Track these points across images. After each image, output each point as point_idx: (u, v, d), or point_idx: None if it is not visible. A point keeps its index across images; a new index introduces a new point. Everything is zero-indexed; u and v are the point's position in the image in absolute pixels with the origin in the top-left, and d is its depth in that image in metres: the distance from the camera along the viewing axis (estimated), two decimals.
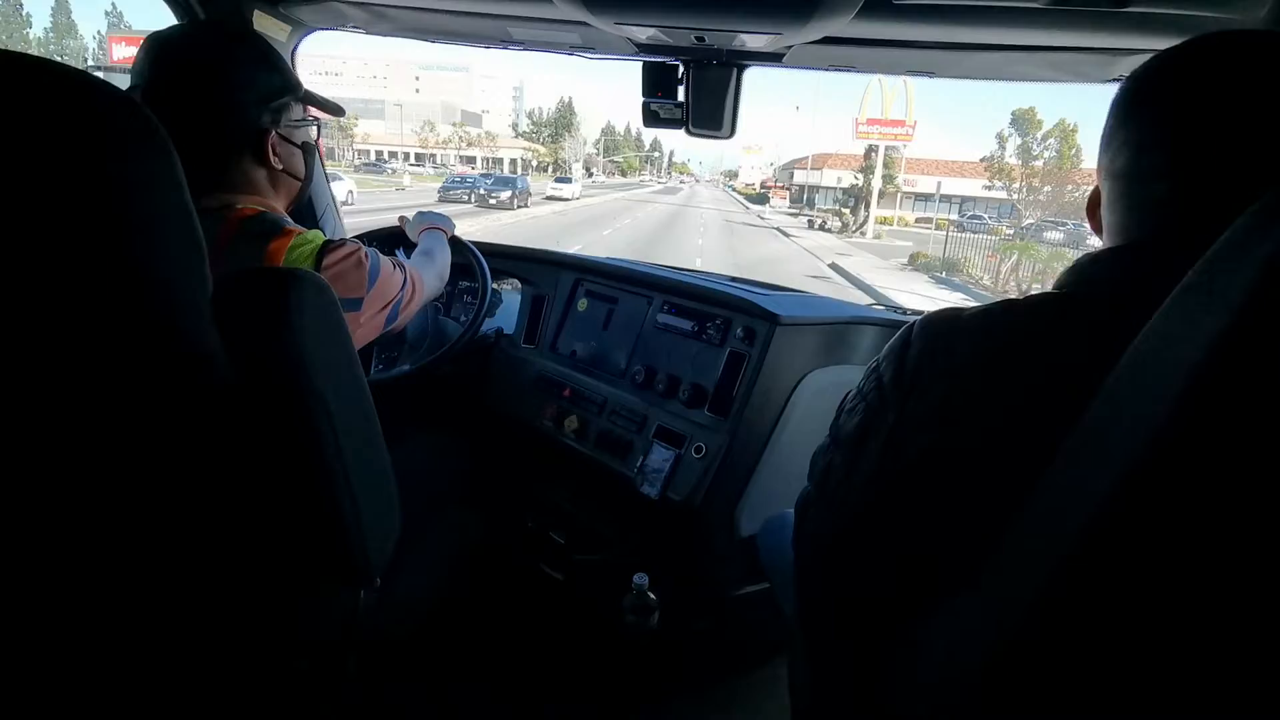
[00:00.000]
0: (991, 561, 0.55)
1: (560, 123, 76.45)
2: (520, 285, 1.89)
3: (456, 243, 1.65)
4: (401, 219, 1.59)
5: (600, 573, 1.59)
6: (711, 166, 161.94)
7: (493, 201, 25.28)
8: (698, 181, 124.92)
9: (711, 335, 1.48)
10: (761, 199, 59.76)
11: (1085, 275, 0.65)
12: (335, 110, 1.22)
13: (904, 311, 1.69)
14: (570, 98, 79.96)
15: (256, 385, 0.79)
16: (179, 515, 0.77)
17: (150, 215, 0.67)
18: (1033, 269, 14.54)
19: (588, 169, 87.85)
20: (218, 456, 0.80)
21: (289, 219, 1.08)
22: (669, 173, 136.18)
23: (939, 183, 35.32)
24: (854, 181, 33.78)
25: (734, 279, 1.79)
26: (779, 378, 1.43)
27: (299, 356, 0.76)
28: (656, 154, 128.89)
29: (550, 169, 76.62)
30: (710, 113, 1.47)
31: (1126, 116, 0.65)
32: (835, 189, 46.97)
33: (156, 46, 1.00)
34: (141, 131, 0.65)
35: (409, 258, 1.38)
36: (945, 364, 0.66)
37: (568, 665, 1.66)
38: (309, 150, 1.15)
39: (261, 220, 1.02)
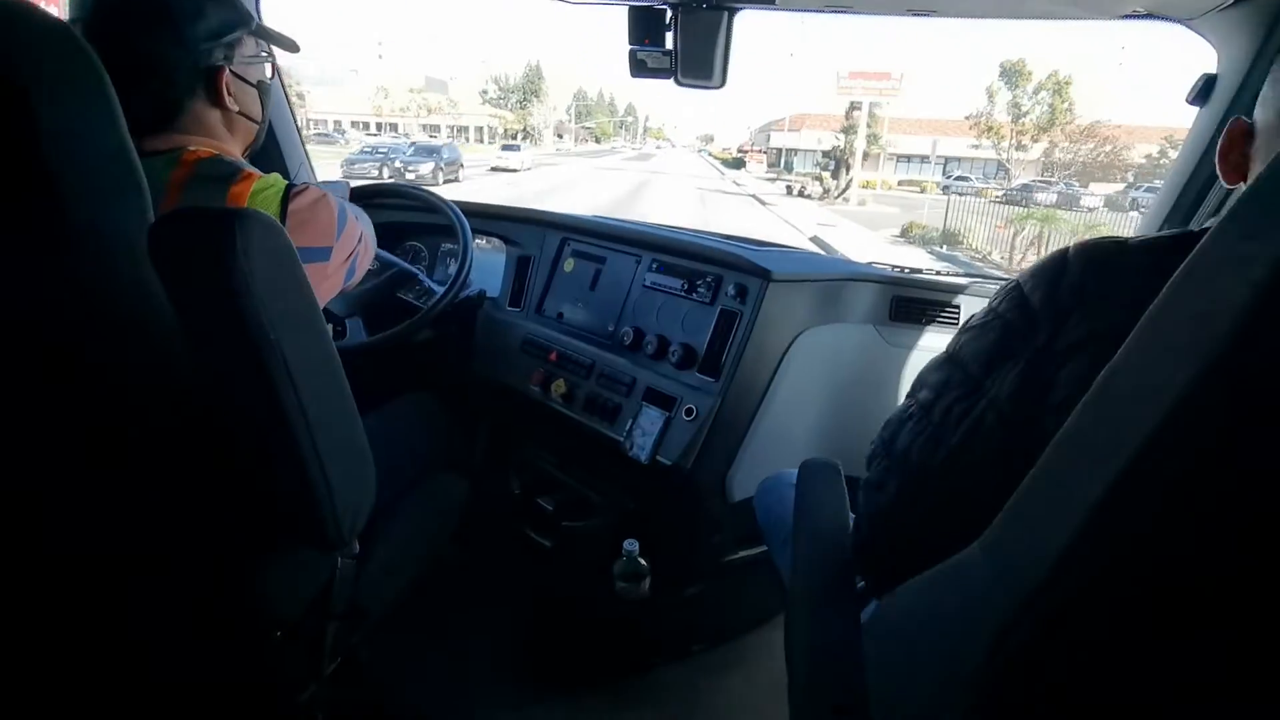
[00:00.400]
0: (1008, 517, 0.54)
1: (528, 88, 75.37)
2: (505, 246, 1.88)
3: (437, 202, 1.64)
4: None
5: (590, 539, 1.60)
6: (689, 131, 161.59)
7: (410, 176, 21.60)
8: (674, 147, 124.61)
9: (702, 294, 1.48)
10: (737, 164, 58.55)
11: None
12: (290, 46, 1.18)
13: (903, 270, 1.69)
14: (538, 61, 78.93)
15: (206, 333, 0.78)
16: (122, 467, 0.77)
17: (80, 149, 0.66)
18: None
19: (559, 135, 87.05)
20: (164, 407, 0.80)
21: (246, 162, 1.04)
22: (644, 138, 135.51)
23: (934, 142, 32.12)
24: (835, 143, 32.40)
25: (726, 236, 1.79)
26: (772, 336, 1.43)
27: (249, 302, 0.73)
28: (631, 119, 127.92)
29: (519, 136, 75.72)
30: (700, 60, 1.43)
31: None
32: (815, 151, 44.22)
33: None
34: (74, 61, 0.65)
35: None
36: (1113, 288, 0.64)
37: (557, 633, 1.68)
38: (264, 90, 1.11)
39: (218, 162, 0.98)
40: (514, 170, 29.41)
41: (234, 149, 1.07)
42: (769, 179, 41.92)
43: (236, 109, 1.04)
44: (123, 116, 0.70)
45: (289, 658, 1.08)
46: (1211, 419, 0.39)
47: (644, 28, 1.41)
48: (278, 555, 1.02)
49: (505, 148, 34.18)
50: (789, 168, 46.70)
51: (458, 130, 68.75)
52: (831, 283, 1.52)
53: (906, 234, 16.11)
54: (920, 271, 1.69)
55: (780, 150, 51.80)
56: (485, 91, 76.12)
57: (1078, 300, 0.65)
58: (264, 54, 1.11)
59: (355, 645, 1.19)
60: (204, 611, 0.94)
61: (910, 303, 1.57)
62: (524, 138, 74.12)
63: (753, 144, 69.02)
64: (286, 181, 1.00)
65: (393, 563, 1.23)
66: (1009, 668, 0.49)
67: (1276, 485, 0.39)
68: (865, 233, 16.62)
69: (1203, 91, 1.25)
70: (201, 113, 1.01)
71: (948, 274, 1.68)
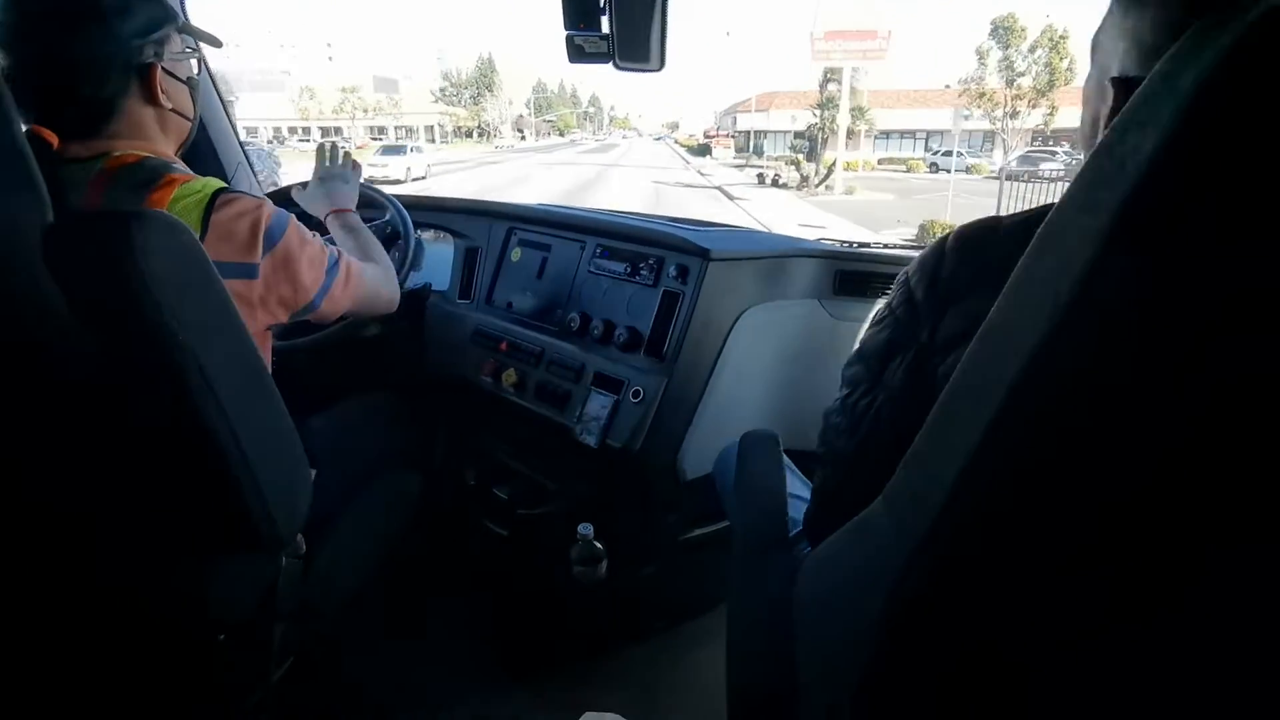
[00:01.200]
0: (902, 471, 0.60)
1: (481, 82, 74.78)
2: (451, 238, 1.97)
3: (376, 196, 1.71)
4: (294, 189, 1.55)
5: (545, 525, 1.69)
6: (654, 119, 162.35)
7: None
8: (640, 135, 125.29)
9: (645, 276, 1.59)
10: (703, 151, 58.74)
11: None
12: (213, 41, 1.24)
13: (850, 245, 1.79)
14: (490, 53, 78.33)
15: (112, 340, 0.81)
16: (37, 477, 0.82)
17: None
18: None
19: (519, 130, 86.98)
20: (72, 415, 0.84)
21: (179, 164, 1.08)
22: (609, 129, 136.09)
23: (959, 114, 26.64)
24: (812, 120, 31.76)
25: (672, 219, 1.89)
26: (715, 316, 1.54)
27: (152, 305, 0.76)
28: (594, 109, 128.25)
29: (475, 134, 75.39)
30: (637, 43, 1.50)
31: None
32: (787, 133, 43.65)
33: None
34: None
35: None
36: (983, 277, 0.67)
37: (517, 620, 1.79)
38: (194, 86, 1.16)
39: (141, 168, 1.01)
40: (397, 181, 24.35)
41: (167, 148, 1.11)
42: (737, 165, 40.85)
43: (170, 106, 1.08)
44: (18, 117, 0.75)
45: (235, 661, 1.13)
46: (1065, 366, 0.43)
47: (579, 12, 1.47)
48: (217, 557, 1.06)
49: (386, 150, 28.27)
50: (759, 152, 45.87)
51: (406, 131, 68.15)
52: (773, 259, 1.61)
53: (925, 238, 12.47)
54: (867, 246, 1.80)
55: (748, 133, 50.79)
56: (444, 89, 74.92)
57: (955, 292, 0.72)
58: (190, 49, 1.15)
59: (307, 645, 1.26)
60: (143, 615, 1.00)
61: (854, 276, 1.67)
62: (479, 134, 73.72)
63: (719, 128, 67.51)
64: (218, 187, 1.02)
65: (342, 561, 1.30)
66: (904, 615, 0.54)
67: (1124, 428, 0.43)
68: (867, 236, 12.12)
69: None
70: (135, 112, 1.05)
71: (893, 246, 1.78)
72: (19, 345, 0.79)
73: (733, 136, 56.76)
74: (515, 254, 1.85)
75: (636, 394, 1.49)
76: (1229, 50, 0.34)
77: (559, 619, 1.75)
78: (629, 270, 1.62)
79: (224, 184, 1.04)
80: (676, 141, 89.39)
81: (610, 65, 1.57)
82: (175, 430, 0.88)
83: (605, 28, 1.48)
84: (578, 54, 1.54)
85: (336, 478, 1.26)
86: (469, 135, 75.20)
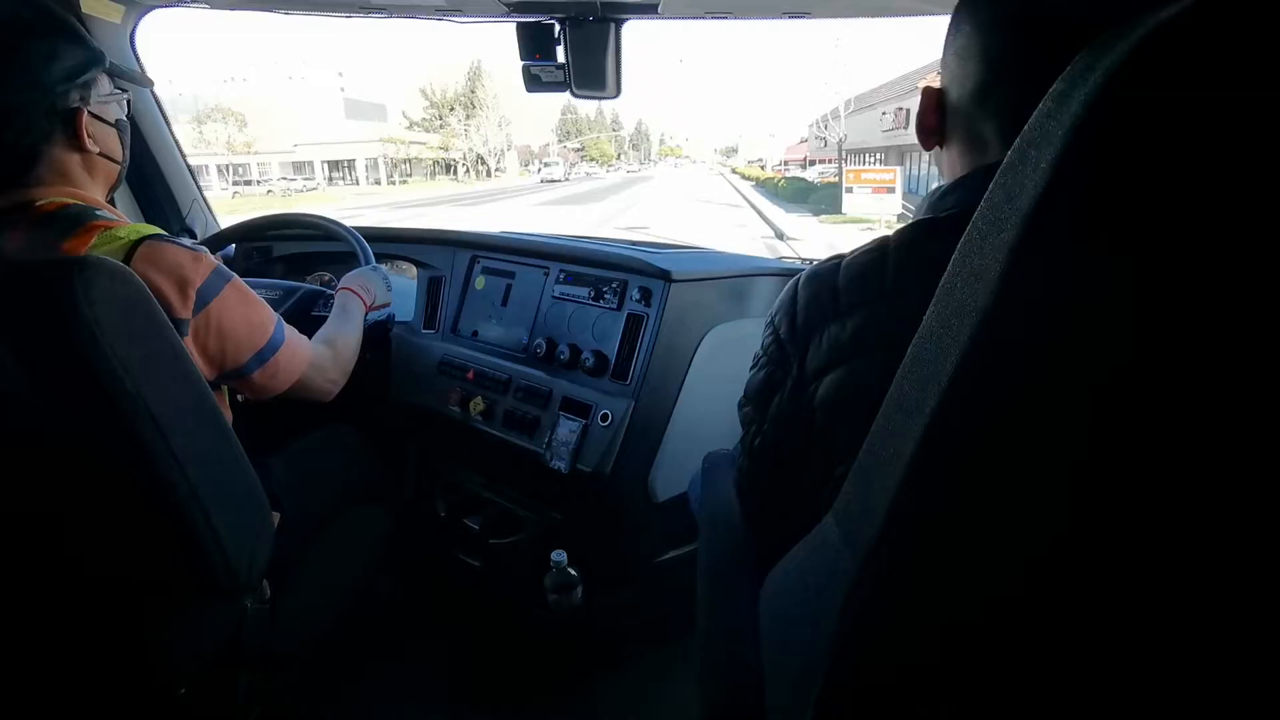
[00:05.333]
0: (850, 482, 0.74)
1: (470, 100, 73.45)
2: (415, 269, 2.44)
3: (335, 228, 2.14)
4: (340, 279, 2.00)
5: (518, 554, 2.11)
6: (715, 145, 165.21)
7: None
8: (694, 163, 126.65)
9: (609, 300, 2.08)
10: (793, 192, 39.95)
11: (941, 203, 0.93)
12: (143, 81, 1.54)
13: (808, 262, 2.19)
14: (479, 61, 75.69)
15: (58, 390, 1.02)
16: None
17: None
18: None
19: (531, 162, 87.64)
20: (20, 468, 1.05)
21: (106, 209, 1.30)
22: (656, 158, 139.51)
23: None
24: None
25: (633, 242, 2.32)
26: (679, 336, 1.98)
27: (98, 354, 0.95)
28: (635, 134, 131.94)
29: (456, 168, 74.80)
30: (592, 72, 2.01)
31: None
32: None
33: None
34: None
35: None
36: (831, 310, 0.93)
37: (493, 654, 2.18)
38: (123, 128, 1.40)
39: (64, 215, 1.22)
40: None
41: (96, 193, 1.35)
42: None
43: (97, 150, 1.33)
44: None
45: (198, 714, 1.36)
46: (990, 367, 0.53)
47: (534, 43, 1.98)
48: (173, 606, 1.27)
49: None
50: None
51: (333, 165, 67.57)
52: (735, 279, 2.05)
53: None
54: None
55: (902, 151, 37.71)
56: (441, 116, 73.88)
57: (810, 326, 0.98)
58: (119, 91, 1.39)
59: (276, 692, 1.56)
60: (98, 669, 1.21)
61: None
62: (463, 169, 72.51)
63: (815, 143, 56.53)
64: (150, 233, 1.23)
65: (310, 604, 1.60)
66: (857, 626, 0.65)
67: (1053, 427, 0.52)
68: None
69: None
70: (59, 158, 1.28)
71: None
72: None
73: (878, 156, 41.82)
74: (479, 282, 2.37)
75: (605, 417, 1.92)
76: (1113, 72, 0.45)
77: (537, 649, 2.13)
78: (593, 295, 2.10)
79: (159, 231, 1.26)
80: (736, 171, 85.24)
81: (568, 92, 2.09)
82: (127, 478, 1.08)
83: (560, 58, 1.99)
84: (534, 83, 2.05)
85: (301, 518, 1.56)
86: (448, 170, 75.00)
